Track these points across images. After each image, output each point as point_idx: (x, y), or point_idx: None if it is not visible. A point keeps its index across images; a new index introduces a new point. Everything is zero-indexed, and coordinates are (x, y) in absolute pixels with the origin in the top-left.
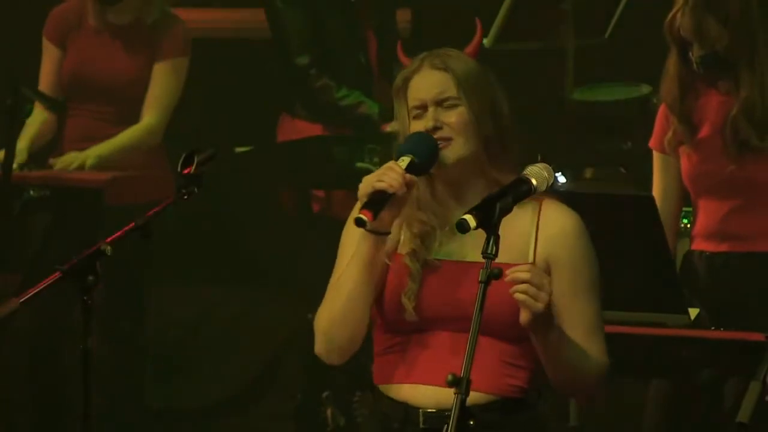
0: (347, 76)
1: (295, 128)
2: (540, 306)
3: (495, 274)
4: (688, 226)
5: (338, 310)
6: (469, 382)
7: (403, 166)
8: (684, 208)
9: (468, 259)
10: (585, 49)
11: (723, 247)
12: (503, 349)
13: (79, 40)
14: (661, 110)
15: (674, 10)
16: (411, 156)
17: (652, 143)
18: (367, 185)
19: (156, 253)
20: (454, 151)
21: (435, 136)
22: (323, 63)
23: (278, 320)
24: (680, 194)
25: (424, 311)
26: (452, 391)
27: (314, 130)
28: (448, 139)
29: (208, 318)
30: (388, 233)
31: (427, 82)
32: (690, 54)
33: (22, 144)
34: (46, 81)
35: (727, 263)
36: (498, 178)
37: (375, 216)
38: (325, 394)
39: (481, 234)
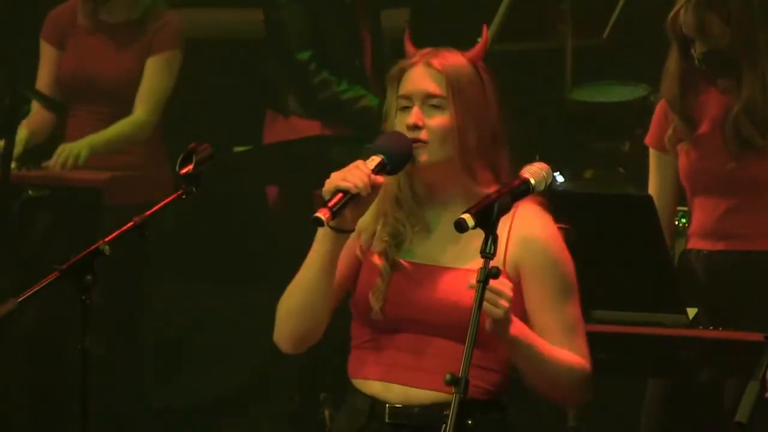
0: (346, 74)
1: (292, 127)
2: (499, 312)
3: (493, 273)
4: (686, 225)
5: (294, 303)
6: (467, 381)
7: (371, 167)
8: (681, 208)
9: (438, 263)
10: (584, 49)
11: (720, 246)
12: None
13: (75, 41)
14: (659, 108)
15: (677, 7)
16: (381, 156)
17: (648, 140)
18: (331, 183)
19: (156, 253)
20: (427, 155)
21: (411, 136)
22: (323, 59)
23: None
24: (676, 192)
25: (390, 312)
26: (417, 389)
27: (312, 128)
28: (424, 142)
29: (208, 318)
30: (352, 231)
31: (418, 78)
32: (692, 51)
33: (19, 136)
34: (44, 82)
35: (725, 262)
36: (473, 189)
37: (333, 215)
38: (322, 395)
39: (453, 238)
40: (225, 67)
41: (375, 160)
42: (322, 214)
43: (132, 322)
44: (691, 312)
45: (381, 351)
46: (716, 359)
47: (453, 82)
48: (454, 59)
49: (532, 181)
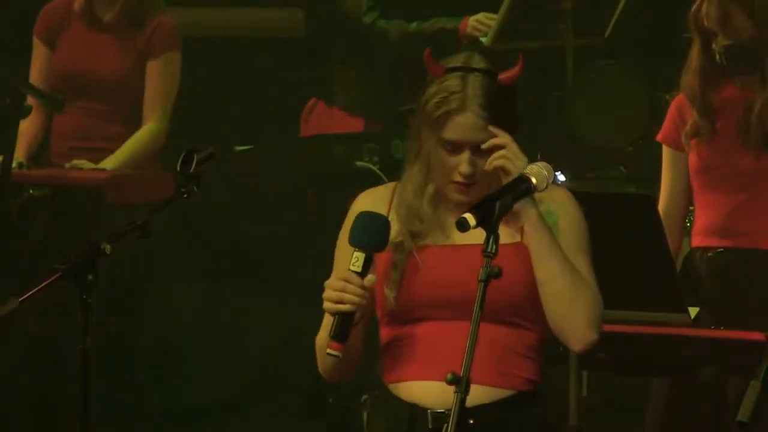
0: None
1: (333, 119)
2: (520, 165)
3: (495, 273)
4: (691, 224)
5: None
6: (468, 381)
7: (359, 270)
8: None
9: (452, 242)
10: (585, 48)
11: (727, 243)
12: (512, 337)
13: (68, 37)
14: (673, 105)
15: (699, 1)
16: (364, 252)
17: (660, 137)
18: (329, 308)
19: (156, 252)
20: (469, 196)
21: (459, 180)
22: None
23: (278, 320)
24: (688, 190)
25: (430, 296)
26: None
27: (355, 123)
28: (473, 183)
29: (208, 317)
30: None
31: (469, 129)
32: (713, 45)
33: (20, 146)
34: (35, 79)
35: (729, 260)
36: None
37: (345, 340)
38: (363, 397)
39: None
40: (225, 67)
41: (359, 258)
42: (335, 349)
43: (131, 322)
44: (693, 311)
45: (421, 348)
46: (718, 358)
47: (501, 127)
48: (498, 95)
49: (534, 180)
